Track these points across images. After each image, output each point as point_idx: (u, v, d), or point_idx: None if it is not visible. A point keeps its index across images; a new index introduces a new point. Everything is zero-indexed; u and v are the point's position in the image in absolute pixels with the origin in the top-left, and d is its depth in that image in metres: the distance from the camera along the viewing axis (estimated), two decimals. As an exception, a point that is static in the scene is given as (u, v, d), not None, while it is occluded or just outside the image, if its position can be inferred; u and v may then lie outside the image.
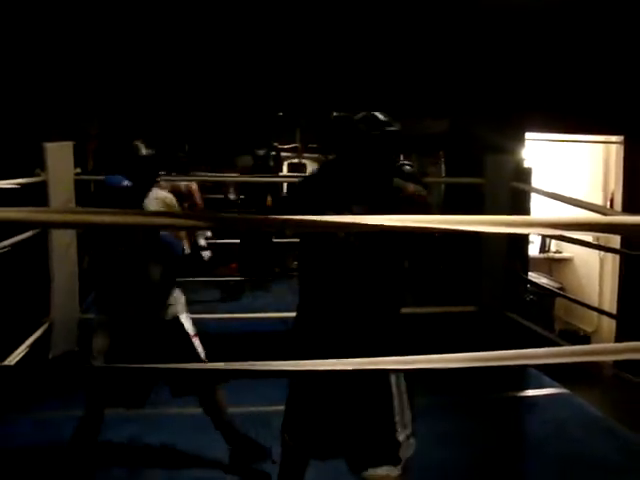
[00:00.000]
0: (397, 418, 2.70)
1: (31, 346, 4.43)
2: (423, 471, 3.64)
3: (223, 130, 9.65)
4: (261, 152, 8.39)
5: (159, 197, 3.47)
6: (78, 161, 5.04)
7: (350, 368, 1.90)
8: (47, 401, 4.12)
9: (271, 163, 8.52)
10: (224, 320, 5.66)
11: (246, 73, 5.73)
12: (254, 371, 1.76)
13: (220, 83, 5.82)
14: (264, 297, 7.43)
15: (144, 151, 3.39)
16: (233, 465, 3.53)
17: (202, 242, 7.07)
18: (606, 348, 2.68)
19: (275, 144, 10.33)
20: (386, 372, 2.56)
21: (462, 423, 4.29)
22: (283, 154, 10.43)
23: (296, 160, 11.39)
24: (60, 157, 4.79)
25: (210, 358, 3.44)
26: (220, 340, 4.93)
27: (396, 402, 2.69)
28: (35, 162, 4.74)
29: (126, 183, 3.29)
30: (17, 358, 4.14)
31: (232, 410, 4.20)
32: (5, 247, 4.04)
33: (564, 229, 1.88)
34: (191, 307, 3.66)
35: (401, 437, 2.71)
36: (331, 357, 1.68)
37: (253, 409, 4.32)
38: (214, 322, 5.49)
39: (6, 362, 4.00)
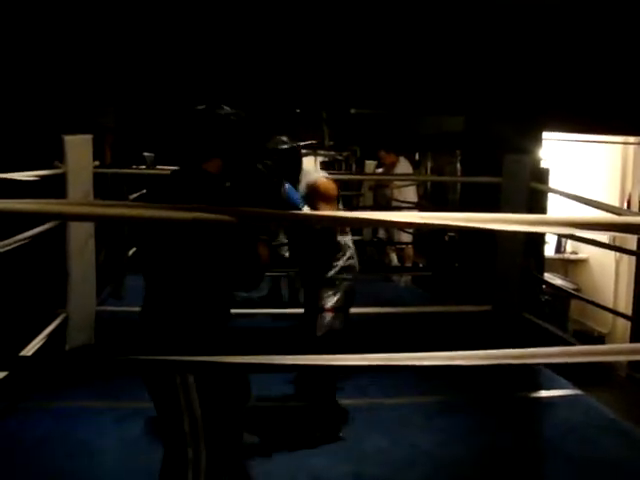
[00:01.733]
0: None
1: (47, 338, 4.47)
2: (437, 469, 3.67)
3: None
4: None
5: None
6: (96, 154, 5.07)
7: (372, 364, 1.92)
8: (63, 392, 4.17)
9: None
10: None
11: (263, 69, 5.74)
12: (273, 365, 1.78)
13: (236, 79, 5.83)
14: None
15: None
16: None
17: None
18: (620, 348, 2.69)
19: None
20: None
21: (476, 422, 4.29)
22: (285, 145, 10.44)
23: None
24: (79, 150, 4.82)
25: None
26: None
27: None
28: (54, 155, 4.78)
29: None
30: (33, 349, 4.17)
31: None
32: (24, 239, 4.07)
33: (580, 228, 1.89)
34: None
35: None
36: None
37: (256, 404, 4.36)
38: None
39: (22, 353, 4.03)
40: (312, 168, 7.68)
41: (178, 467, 2.56)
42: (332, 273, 3.87)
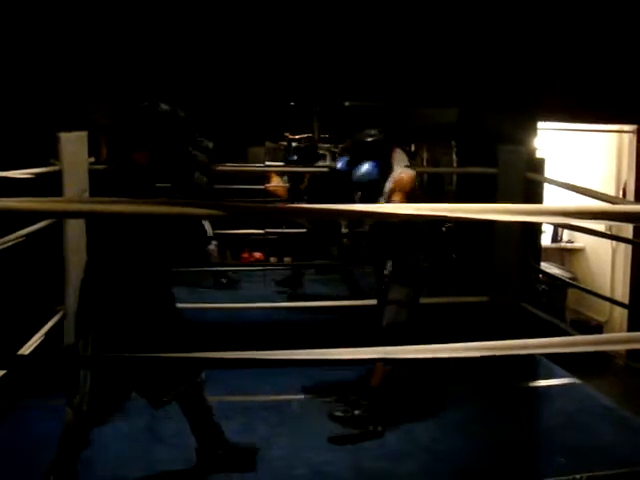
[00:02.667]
0: None
1: (45, 335, 4.46)
2: (435, 459, 3.68)
3: (234, 120, 9.64)
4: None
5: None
6: (92, 151, 5.06)
7: (368, 357, 1.92)
8: (61, 389, 4.16)
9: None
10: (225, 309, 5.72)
11: (257, 62, 5.73)
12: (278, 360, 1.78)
13: (231, 73, 5.82)
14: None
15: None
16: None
17: (208, 229, 7.11)
18: (618, 337, 2.70)
19: (286, 134, 10.32)
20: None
21: (474, 413, 4.31)
22: (294, 144, 10.42)
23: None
24: (75, 147, 4.81)
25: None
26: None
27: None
28: (49, 152, 4.76)
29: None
30: (32, 347, 4.17)
31: (241, 399, 4.27)
32: (20, 237, 4.07)
33: (576, 218, 1.90)
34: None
35: None
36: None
37: (263, 398, 4.37)
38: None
39: (21, 350, 4.03)
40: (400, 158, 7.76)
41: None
42: (407, 267, 4.03)
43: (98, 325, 2.99)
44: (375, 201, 3.86)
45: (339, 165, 4.15)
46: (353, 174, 3.90)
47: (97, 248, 3.10)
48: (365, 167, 3.90)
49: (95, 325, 2.99)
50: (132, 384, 3.13)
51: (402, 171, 4.01)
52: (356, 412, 3.96)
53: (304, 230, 7.30)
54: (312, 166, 7.18)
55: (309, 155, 7.83)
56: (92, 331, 2.99)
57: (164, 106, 2.96)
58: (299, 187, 7.50)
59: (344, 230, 7.63)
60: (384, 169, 3.95)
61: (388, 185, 3.94)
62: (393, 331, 3.90)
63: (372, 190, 3.90)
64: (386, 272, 4.03)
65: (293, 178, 7.80)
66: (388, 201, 3.86)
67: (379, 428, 3.88)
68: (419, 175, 9.79)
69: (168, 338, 3.10)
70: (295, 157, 7.98)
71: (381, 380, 3.94)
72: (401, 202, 3.78)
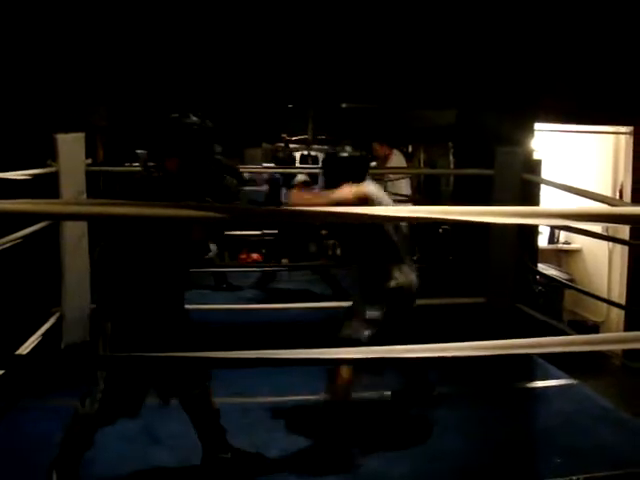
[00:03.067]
0: None
1: (42, 336, 4.47)
2: (432, 460, 3.69)
3: (231, 122, 9.65)
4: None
5: None
6: (89, 152, 5.07)
7: (366, 357, 1.93)
8: (59, 390, 4.16)
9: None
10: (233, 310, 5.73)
11: (255, 64, 5.74)
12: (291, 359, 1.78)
13: (228, 74, 5.83)
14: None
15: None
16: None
17: None
18: (614, 337, 2.70)
19: (283, 136, 10.35)
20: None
21: (471, 414, 4.31)
22: (291, 146, 10.44)
23: (306, 152, 11.39)
24: (72, 148, 4.81)
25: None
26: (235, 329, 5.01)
27: None
28: (46, 154, 4.77)
29: None
30: (29, 347, 4.18)
31: (240, 400, 4.28)
32: (18, 238, 4.07)
33: (572, 219, 1.90)
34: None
35: None
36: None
37: (268, 399, 4.37)
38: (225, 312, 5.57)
39: (19, 351, 4.03)
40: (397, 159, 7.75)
41: None
42: (382, 288, 3.77)
43: (114, 325, 3.04)
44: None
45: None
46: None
47: (110, 251, 3.18)
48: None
49: (111, 324, 3.04)
50: (149, 383, 3.15)
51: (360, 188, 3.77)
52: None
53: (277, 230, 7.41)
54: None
55: (288, 163, 7.95)
56: (108, 331, 3.06)
57: (193, 117, 3.12)
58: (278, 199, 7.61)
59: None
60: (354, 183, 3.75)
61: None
62: (347, 345, 3.69)
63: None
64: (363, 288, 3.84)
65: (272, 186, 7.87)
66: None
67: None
68: (416, 177, 9.85)
69: (180, 339, 3.15)
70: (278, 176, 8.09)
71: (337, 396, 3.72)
72: (322, 200, 3.65)
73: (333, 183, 3.78)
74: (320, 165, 4.02)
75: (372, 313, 3.72)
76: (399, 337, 3.78)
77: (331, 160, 3.94)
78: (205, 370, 3.30)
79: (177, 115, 3.14)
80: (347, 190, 3.68)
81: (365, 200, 3.64)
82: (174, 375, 3.20)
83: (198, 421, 3.37)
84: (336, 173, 3.82)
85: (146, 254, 3.05)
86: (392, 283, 3.76)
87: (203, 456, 3.42)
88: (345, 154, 3.85)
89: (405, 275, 3.81)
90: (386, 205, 3.79)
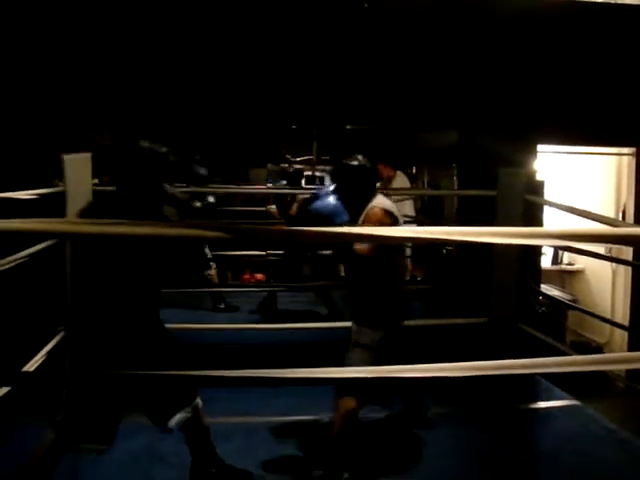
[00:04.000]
0: None
1: (47, 355, 4.48)
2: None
3: (236, 142, 9.70)
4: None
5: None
6: (95, 172, 5.10)
7: (362, 376, 1.94)
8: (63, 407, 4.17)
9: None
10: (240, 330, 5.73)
11: (259, 85, 5.79)
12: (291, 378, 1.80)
13: (233, 95, 5.87)
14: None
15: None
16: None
17: (208, 252, 7.13)
18: (617, 357, 2.71)
19: (287, 156, 10.38)
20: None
21: (473, 434, 4.31)
22: (296, 166, 10.46)
23: (310, 172, 11.42)
24: (78, 168, 4.84)
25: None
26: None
27: None
28: (53, 173, 4.80)
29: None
30: (34, 366, 4.19)
31: (240, 420, 4.28)
32: (23, 257, 4.09)
33: (575, 240, 1.92)
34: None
35: None
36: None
37: (262, 419, 4.38)
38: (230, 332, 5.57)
39: (24, 369, 4.04)
40: (401, 181, 7.81)
41: None
42: (377, 310, 3.76)
43: (94, 344, 3.06)
44: None
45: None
46: (311, 209, 3.61)
47: (91, 270, 3.20)
48: (323, 203, 3.61)
49: (91, 344, 3.06)
50: (135, 404, 3.16)
51: (379, 204, 3.72)
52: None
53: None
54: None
55: (296, 179, 7.91)
56: (88, 350, 3.08)
57: (145, 144, 3.19)
58: (288, 213, 7.53)
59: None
60: (363, 194, 3.73)
61: (362, 218, 3.70)
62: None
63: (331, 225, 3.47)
64: (359, 313, 3.81)
65: (280, 203, 7.78)
66: None
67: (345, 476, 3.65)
68: (419, 198, 9.89)
69: (161, 358, 3.18)
70: (284, 182, 8.02)
71: (341, 427, 3.61)
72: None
73: (347, 194, 3.68)
74: (331, 176, 3.92)
75: (370, 337, 3.69)
76: (400, 357, 3.82)
77: (343, 170, 3.81)
78: (192, 389, 3.33)
79: (131, 142, 3.24)
80: (377, 212, 3.67)
81: (391, 218, 3.68)
82: (160, 395, 3.22)
83: (190, 438, 3.42)
84: (349, 184, 3.73)
85: (119, 273, 3.09)
86: (389, 303, 3.78)
87: (191, 469, 3.46)
88: (356, 162, 3.77)
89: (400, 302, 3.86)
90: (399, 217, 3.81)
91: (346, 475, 3.65)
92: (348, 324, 3.91)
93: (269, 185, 8.49)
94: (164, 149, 3.23)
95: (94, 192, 5.00)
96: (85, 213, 3.27)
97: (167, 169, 3.29)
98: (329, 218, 3.51)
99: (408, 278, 8.57)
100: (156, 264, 3.14)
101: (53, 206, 4.66)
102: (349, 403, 3.51)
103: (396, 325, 3.85)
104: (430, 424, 4.29)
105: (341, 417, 3.54)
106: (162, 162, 3.21)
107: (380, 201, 3.73)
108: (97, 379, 3.00)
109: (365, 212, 3.69)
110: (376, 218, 3.63)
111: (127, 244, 2.92)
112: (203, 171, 6.09)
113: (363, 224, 3.64)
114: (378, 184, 8.51)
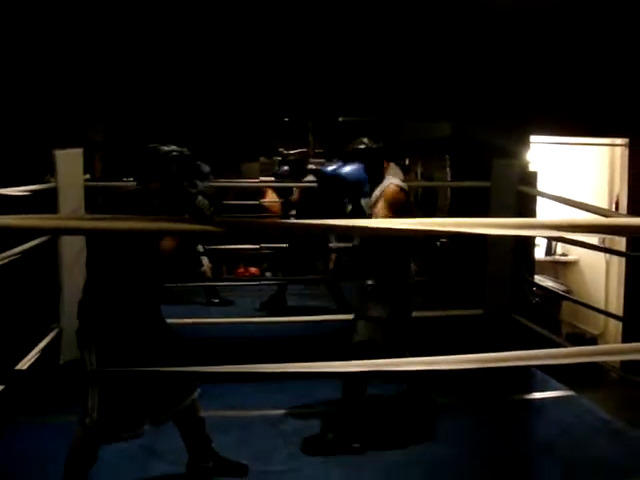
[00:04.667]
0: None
1: (41, 352, 4.47)
2: (430, 472, 3.69)
3: (228, 136, 9.68)
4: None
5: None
6: (87, 168, 5.08)
7: (357, 370, 1.94)
8: (57, 406, 4.16)
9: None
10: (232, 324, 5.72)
11: (251, 78, 5.76)
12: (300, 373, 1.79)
13: (225, 88, 5.85)
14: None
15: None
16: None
17: (200, 247, 7.10)
18: (612, 349, 2.72)
19: (280, 150, 10.36)
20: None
21: (469, 425, 4.32)
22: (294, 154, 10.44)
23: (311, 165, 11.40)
24: (70, 164, 4.83)
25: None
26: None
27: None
28: (44, 169, 4.79)
29: None
30: (27, 364, 4.18)
31: (238, 414, 4.28)
32: (16, 254, 4.08)
33: (568, 231, 1.92)
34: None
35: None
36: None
37: (260, 413, 4.38)
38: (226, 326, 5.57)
39: (17, 367, 4.03)
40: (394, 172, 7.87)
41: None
42: (386, 284, 3.92)
43: (99, 341, 3.07)
44: (359, 204, 3.81)
45: (327, 169, 4.03)
46: (339, 172, 3.77)
47: (93, 265, 3.26)
48: (352, 167, 3.79)
49: (96, 341, 3.07)
50: (135, 401, 3.17)
51: (393, 182, 3.89)
52: (329, 435, 3.92)
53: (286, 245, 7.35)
54: (302, 180, 7.18)
55: (299, 167, 7.85)
56: (94, 347, 3.08)
57: (171, 146, 3.33)
58: (290, 199, 7.50)
59: (333, 244, 7.68)
60: (373, 175, 3.86)
61: (376, 193, 3.85)
62: (364, 349, 3.77)
63: (357, 191, 3.78)
64: (368, 287, 3.92)
65: (284, 190, 7.77)
66: (372, 209, 3.78)
67: (355, 445, 3.85)
68: (413, 189, 9.88)
69: (163, 354, 3.21)
70: (286, 167, 7.95)
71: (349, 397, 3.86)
72: (385, 212, 3.72)
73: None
74: (344, 157, 4.03)
75: (379, 311, 3.86)
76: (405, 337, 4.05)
77: (354, 154, 3.94)
78: (192, 382, 3.36)
79: (156, 145, 3.34)
80: (393, 188, 3.84)
81: (405, 195, 3.90)
82: (162, 390, 3.24)
83: (185, 431, 3.45)
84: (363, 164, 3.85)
85: (119, 268, 3.14)
86: (410, 280, 4.02)
87: (187, 464, 3.48)
88: (363, 146, 3.97)
89: (409, 272, 4.04)
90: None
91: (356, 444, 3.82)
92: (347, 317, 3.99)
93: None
94: (187, 152, 3.38)
95: (88, 188, 5.00)
96: (113, 207, 3.37)
97: (193, 168, 3.41)
98: (360, 183, 3.74)
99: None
100: (156, 259, 3.17)
101: (45, 202, 4.64)
102: None
103: (405, 306, 4.03)
104: (427, 415, 4.30)
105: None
106: (189, 162, 3.36)
107: (392, 180, 3.90)
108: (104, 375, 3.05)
109: (380, 188, 3.85)
110: (391, 194, 3.80)
111: (129, 239, 3.01)
112: (206, 168, 6.07)
113: (379, 199, 3.81)
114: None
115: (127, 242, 3.04)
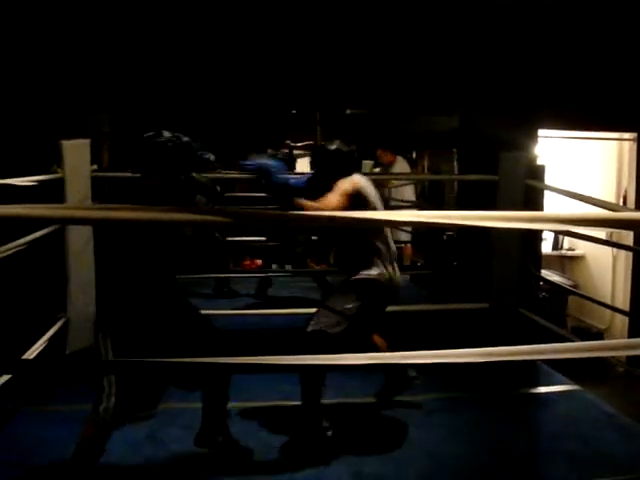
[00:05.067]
0: None
1: (48, 342, 4.48)
2: (436, 466, 3.69)
3: (236, 128, 9.68)
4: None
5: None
6: (94, 158, 5.09)
7: (363, 363, 1.93)
8: (65, 395, 4.18)
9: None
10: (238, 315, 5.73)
11: (260, 70, 5.76)
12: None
13: (234, 80, 5.85)
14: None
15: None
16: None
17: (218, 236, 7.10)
18: (618, 344, 2.71)
19: (287, 142, 10.36)
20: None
21: (474, 419, 4.31)
22: (296, 152, 10.44)
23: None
24: (77, 154, 4.83)
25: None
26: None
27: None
28: (52, 160, 4.79)
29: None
30: (34, 354, 4.19)
31: (244, 405, 4.29)
32: (23, 244, 4.09)
33: (575, 225, 1.92)
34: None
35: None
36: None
37: (266, 403, 4.38)
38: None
39: (24, 357, 4.04)
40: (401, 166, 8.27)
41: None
42: (356, 278, 3.86)
43: (116, 329, 3.09)
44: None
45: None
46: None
47: (109, 254, 3.30)
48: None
49: (112, 329, 3.09)
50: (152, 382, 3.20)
51: (349, 178, 3.84)
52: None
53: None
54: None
55: (288, 164, 7.89)
56: (110, 336, 3.11)
57: (167, 134, 3.25)
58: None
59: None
60: (340, 178, 3.79)
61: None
62: (316, 340, 3.71)
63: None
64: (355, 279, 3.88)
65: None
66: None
67: (328, 433, 3.82)
68: (420, 182, 9.87)
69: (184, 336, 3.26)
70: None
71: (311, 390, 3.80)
72: (334, 197, 3.65)
73: (323, 175, 3.91)
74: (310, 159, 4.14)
75: (346, 306, 3.79)
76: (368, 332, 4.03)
77: (320, 153, 4.04)
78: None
79: (151, 134, 3.27)
80: (345, 184, 3.76)
81: (358, 191, 3.76)
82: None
83: (209, 398, 3.47)
84: (325, 166, 3.94)
85: (138, 256, 3.16)
86: (370, 273, 3.84)
87: (198, 433, 3.49)
88: (334, 147, 3.94)
89: (385, 270, 3.87)
90: (373, 198, 3.87)
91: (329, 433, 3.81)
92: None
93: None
94: (186, 138, 3.30)
95: (95, 178, 5.00)
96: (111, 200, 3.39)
97: (192, 158, 3.36)
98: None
99: (408, 263, 8.60)
100: (170, 249, 3.19)
101: (52, 193, 4.65)
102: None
103: (374, 306, 3.95)
104: (432, 409, 4.30)
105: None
106: (186, 152, 3.28)
107: (354, 177, 3.85)
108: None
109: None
110: (342, 186, 3.74)
111: (140, 230, 3.04)
112: (211, 157, 6.09)
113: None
114: (378, 169, 8.52)
115: (137, 231, 3.06)
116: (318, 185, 3.81)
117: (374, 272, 3.84)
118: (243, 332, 5.28)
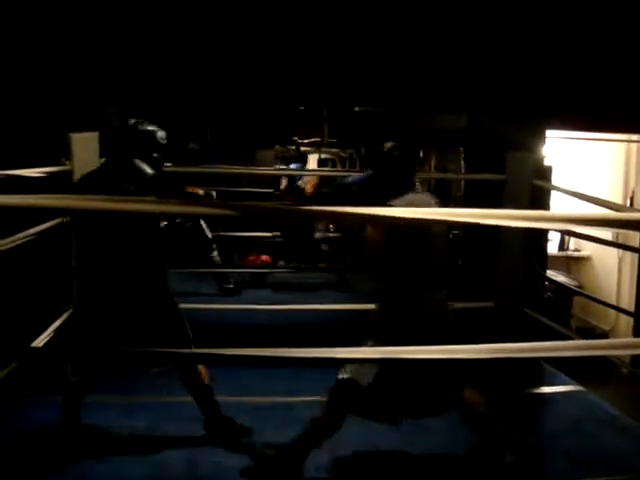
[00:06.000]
0: None
1: (53, 333, 4.50)
2: (437, 464, 3.70)
3: (243, 124, 9.69)
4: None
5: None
6: (103, 151, 5.10)
7: (369, 357, 1.95)
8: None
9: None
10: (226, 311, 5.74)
11: (268, 66, 5.76)
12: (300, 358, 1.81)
13: (242, 76, 5.86)
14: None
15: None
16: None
17: (209, 234, 7.10)
18: (622, 343, 2.71)
19: (295, 138, 10.37)
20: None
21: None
22: (303, 149, 10.46)
23: (324, 155, 11.47)
24: (86, 147, 4.85)
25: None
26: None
27: None
28: (60, 152, 4.81)
29: None
30: (42, 343, 4.21)
31: (248, 400, 4.30)
32: (31, 235, 4.11)
33: (581, 225, 1.92)
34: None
35: None
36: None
37: (270, 399, 4.40)
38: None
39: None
40: None
41: None
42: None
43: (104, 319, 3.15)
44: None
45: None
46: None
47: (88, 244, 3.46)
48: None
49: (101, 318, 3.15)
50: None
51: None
52: None
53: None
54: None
55: (301, 161, 7.94)
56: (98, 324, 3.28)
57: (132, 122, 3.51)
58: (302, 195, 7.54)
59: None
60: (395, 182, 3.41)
61: None
62: (343, 389, 3.35)
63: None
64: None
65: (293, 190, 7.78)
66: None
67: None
68: (427, 182, 9.85)
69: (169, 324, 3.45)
70: (293, 166, 7.99)
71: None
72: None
73: (380, 186, 3.45)
74: (363, 161, 3.91)
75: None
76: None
77: (383, 158, 3.45)
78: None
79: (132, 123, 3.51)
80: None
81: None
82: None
83: (193, 393, 3.64)
84: (386, 174, 3.44)
85: (125, 247, 3.32)
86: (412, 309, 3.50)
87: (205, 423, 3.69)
88: (397, 152, 3.42)
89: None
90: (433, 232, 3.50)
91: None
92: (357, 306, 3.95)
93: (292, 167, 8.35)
94: (150, 127, 3.50)
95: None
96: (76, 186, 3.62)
97: (152, 146, 3.51)
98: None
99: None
100: (158, 242, 3.24)
101: (60, 185, 4.66)
102: None
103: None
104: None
105: None
106: (139, 138, 3.45)
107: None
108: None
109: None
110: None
111: (128, 221, 3.19)
112: (195, 146, 6.20)
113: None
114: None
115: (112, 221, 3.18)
116: (375, 189, 3.46)
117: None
118: (248, 327, 5.32)
